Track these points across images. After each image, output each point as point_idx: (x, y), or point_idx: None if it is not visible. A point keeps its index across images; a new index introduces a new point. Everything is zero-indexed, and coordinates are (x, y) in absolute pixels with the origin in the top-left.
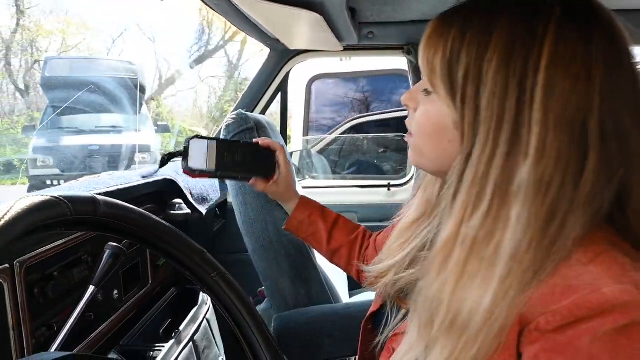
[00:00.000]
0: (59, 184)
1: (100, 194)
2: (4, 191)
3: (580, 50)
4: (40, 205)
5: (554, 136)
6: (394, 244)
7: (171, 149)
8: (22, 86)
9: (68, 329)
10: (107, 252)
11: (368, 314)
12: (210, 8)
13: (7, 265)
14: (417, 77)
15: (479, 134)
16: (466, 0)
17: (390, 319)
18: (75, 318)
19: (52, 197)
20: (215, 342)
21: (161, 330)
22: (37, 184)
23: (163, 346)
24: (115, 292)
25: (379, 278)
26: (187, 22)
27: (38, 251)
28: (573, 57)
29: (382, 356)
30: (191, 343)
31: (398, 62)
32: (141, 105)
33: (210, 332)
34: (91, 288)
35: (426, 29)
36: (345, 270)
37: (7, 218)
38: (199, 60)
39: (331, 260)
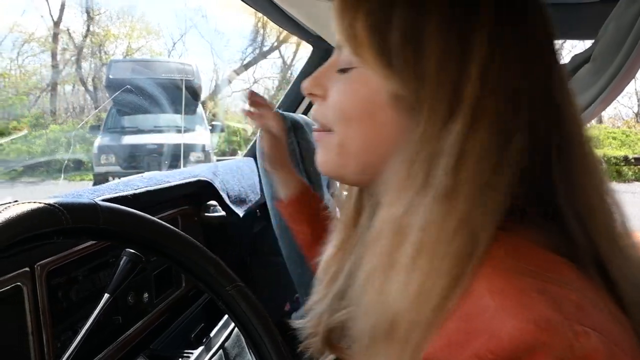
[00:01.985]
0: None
1: (130, 196)
2: (72, 186)
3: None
4: (32, 214)
5: (494, 102)
6: (321, 287)
7: (224, 148)
8: (91, 88)
9: (80, 338)
10: (124, 259)
11: None
12: (250, 6)
13: (27, 269)
14: None
15: (425, 105)
16: None
17: None
18: (88, 327)
19: (46, 204)
20: (249, 350)
21: (192, 336)
22: (100, 180)
23: (192, 353)
24: (146, 295)
25: (313, 334)
26: (242, 24)
27: (62, 254)
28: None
29: None
30: (221, 350)
31: None
32: (197, 105)
33: (243, 340)
34: (105, 296)
35: None
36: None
37: None
38: (254, 61)
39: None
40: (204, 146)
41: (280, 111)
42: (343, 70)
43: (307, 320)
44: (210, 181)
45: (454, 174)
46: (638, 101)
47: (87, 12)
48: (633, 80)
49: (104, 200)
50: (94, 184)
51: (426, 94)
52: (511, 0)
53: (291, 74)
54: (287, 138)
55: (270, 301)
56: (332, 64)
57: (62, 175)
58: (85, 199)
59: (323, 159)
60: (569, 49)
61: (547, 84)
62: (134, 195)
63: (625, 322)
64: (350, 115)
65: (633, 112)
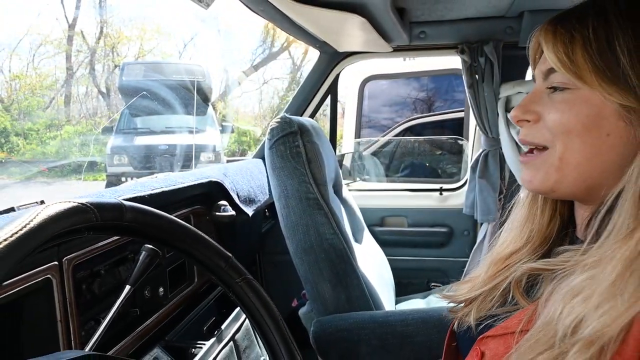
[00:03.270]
0: (132, 180)
1: (147, 196)
2: (85, 186)
3: None
4: (68, 212)
5: None
6: (484, 275)
7: (234, 148)
8: (104, 89)
9: (104, 327)
10: (143, 254)
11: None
12: (257, 14)
13: (55, 263)
14: (471, 76)
15: None
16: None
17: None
18: (111, 317)
19: (79, 203)
20: (258, 342)
21: (205, 328)
22: (113, 180)
23: (204, 344)
24: (161, 289)
25: (465, 304)
26: (252, 26)
27: (86, 249)
28: None
29: (472, 356)
30: (232, 342)
31: (454, 61)
32: (207, 106)
33: (252, 332)
34: (127, 287)
35: (537, 31)
36: None
37: (33, 224)
38: (264, 62)
39: None
40: (214, 147)
41: (288, 115)
42: (556, 89)
43: (461, 296)
44: (221, 182)
45: None
46: None
47: (100, 14)
48: None
49: (124, 199)
50: (107, 184)
51: None
52: None
53: (301, 75)
54: (294, 141)
55: (278, 297)
56: (537, 90)
57: (82, 176)
58: (111, 199)
59: (536, 176)
60: None
61: None
62: (151, 195)
63: None
64: (573, 129)
65: None
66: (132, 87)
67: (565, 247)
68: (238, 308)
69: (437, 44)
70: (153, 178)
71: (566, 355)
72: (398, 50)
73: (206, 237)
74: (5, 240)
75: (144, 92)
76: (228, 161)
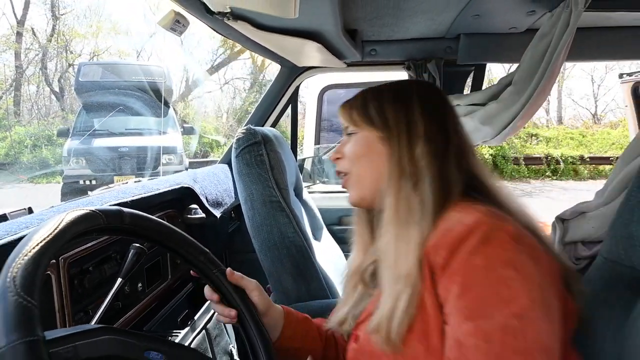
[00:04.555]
0: (91, 183)
1: (129, 202)
2: (38, 189)
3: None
4: (84, 217)
5: (433, 128)
6: (347, 289)
7: (197, 149)
8: (57, 89)
9: (101, 312)
10: (132, 251)
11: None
12: (224, 36)
13: (54, 261)
14: None
15: (394, 136)
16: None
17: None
18: (107, 304)
19: (91, 210)
20: (227, 331)
21: (179, 319)
22: (70, 183)
23: (179, 333)
24: (140, 285)
25: (341, 324)
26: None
27: (77, 249)
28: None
29: (350, 344)
30: (204, 331)
31: (403, 74)
32: (168, 108)
33: (222, 323)
34: (119, 280)
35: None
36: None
37: (61, 226)
38: (225, 62)
39: None
40: (175, 148)
41: (252, 126)
42: (350, 135)
43: (337, 317)
44: (192, 187)
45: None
46: (595, 102)
47: (52, 11)
48: (590, 82)
49: (110, 205)
50: (63, 187)
51: (394, 131)
52: (430, 95)
53: (263, 76)
54: (258, 150)
55: None
56: (342, 142)
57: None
58: (113, 207)
59: (353, 193)
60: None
61: (460, 137)
62: (132, 201)
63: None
64: (358, 155)
65: (590, 113)
66: (89, 88)
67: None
68: (209, 302)
69: (387, 61)
70: (124, 185)
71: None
72: (352, 65)
73: (188, 236)
74: (44, 240)
75: (102, 93)
76: (190, 163)
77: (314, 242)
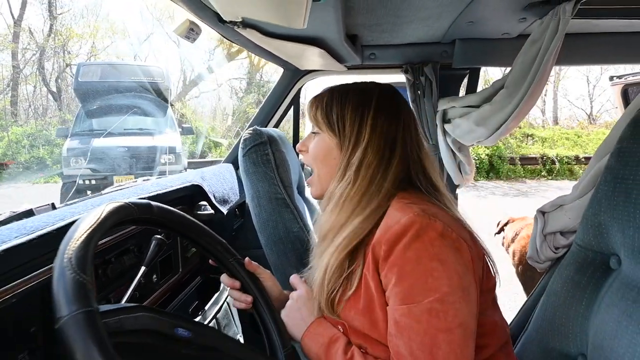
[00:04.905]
0: (90, 183)
1: (149, 197)
2: (36, 189)
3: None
4: (120, 208)
5: (377, 142)
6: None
7: (194, 149)
8: (54, 89)
9: (127, 296)
10: (154, 242)
11: None
12: (232, 42)
13: None
14: (414, 92)
15: (345, 145)
16: (324, 93)
17: None
18: (133, 288)
19: (126, 203)
20: (234, 321)
21: (190, 310)
22: (69, 182)
23: None
24: (154, 276)
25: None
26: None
27: (101, 242)
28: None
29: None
30: (214, 320)
31: (401, 77)
32: (166, 108)
33: (230, 313)
34: (142, 268)
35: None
36: None
37: (103, 215)
38: (221, 63)
39: None
40: (174, 148)
41: (258, 127)
42: (314, 134)
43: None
44: (201, 185)
45: (359, 173)
46: (591, 103)
47: (50, 11)
48: (586, 83)
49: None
50: (63, 187)
51: (346, 140)
52: (386, 104)
53: (261, 76)
54: (264, 150)
55: None
56: (308, 135)
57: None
58: (143, 200)
59: (313, 189)
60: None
61: (409, 133)
62: (149, 197)
63: (457, 221)
64: (319, 156)
65: (586, 113)
66: (88, 89)
67: None
68: (217, 293)
69: (385, 64)
70: (135, 184)
71: None
72: (352, 68)
73: (206, 228)
74: (90, 227)
75: (101, 94)
76: (189, 162)
77: (316, 238)
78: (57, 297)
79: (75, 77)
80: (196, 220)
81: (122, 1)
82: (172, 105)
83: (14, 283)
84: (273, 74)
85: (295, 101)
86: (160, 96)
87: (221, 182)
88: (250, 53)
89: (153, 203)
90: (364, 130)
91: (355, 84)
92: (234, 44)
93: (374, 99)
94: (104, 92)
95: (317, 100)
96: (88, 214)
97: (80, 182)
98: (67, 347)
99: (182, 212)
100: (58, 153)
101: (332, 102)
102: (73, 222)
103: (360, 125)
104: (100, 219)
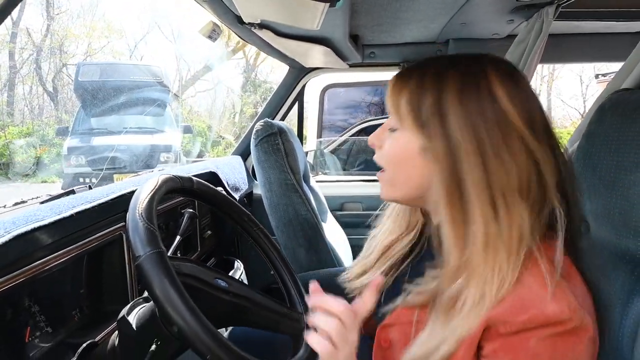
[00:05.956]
0: (90, 181)
1: None
2: (32, 189)
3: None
4: (170, 179)
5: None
6: (370, 258)
7: (191, 148)
8: (51, 89)
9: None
10: (186, 215)
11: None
12: (243, 40)
13: (123, 223)
14: None
15: (459, 155)
16: (418, 62)
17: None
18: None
19: (174, 175)
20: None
21: None
22: (69, 181)
23: None
24: (179, 253)
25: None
26: (205, 25)
27: None
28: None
29: (375, 347)
30: None
31: None
32: (165, 107)
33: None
34: (178, 237)
35: (395, 79)
36: None
37: (159, 182)
38: (217, 62)
39: None
40: (173, 147)
41: (269, 119)
42: (391, 130)
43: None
44: (216, 172)
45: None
46: (584, 102)
47: (47, 11)
48: (579, 82)
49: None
50: (64, 185)
51: (451, 148)
52: (511, 86)
53: (256, 75)
54: (275, 140)
55: (257, 271)
56: (385, 125)
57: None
58: (185, 175)
59: (382, 190)
60: None
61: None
62: None
63: (584, 287)
64: (395, 160)
65: (579, 112)
66: (88, 88)
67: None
68: (231, 273)
69: (384, 62)
70: (151, 173)
71: None
72: (353, 66)
73: (235, 202)
74: (152, 190)
75: (100, 93)
76: (187, 161)
77: (322, 222)
78: (134, 242)
79: (75, 76)
80: (226, 195)
81: (118, 1)
82: (169, 104)
83: (74, 246)
84: (269, 73)
85: (300, 97)
86: (159, 95)
87: (232, 171)
88: (246, 54)
89: (194, 178)
90: (479, 130)
91: (458, 55)
92: (231, 44)
93: (490, 78)
94: (104, 91)
95: (403, 79)
96: (147, 182)
97: (80, 180)
98: (145, 277)
99: (214, 188)
100: (55, 152)
101: (424, 83)
102: (130, 192)
103: (482, 121)
104: (157, 186)
